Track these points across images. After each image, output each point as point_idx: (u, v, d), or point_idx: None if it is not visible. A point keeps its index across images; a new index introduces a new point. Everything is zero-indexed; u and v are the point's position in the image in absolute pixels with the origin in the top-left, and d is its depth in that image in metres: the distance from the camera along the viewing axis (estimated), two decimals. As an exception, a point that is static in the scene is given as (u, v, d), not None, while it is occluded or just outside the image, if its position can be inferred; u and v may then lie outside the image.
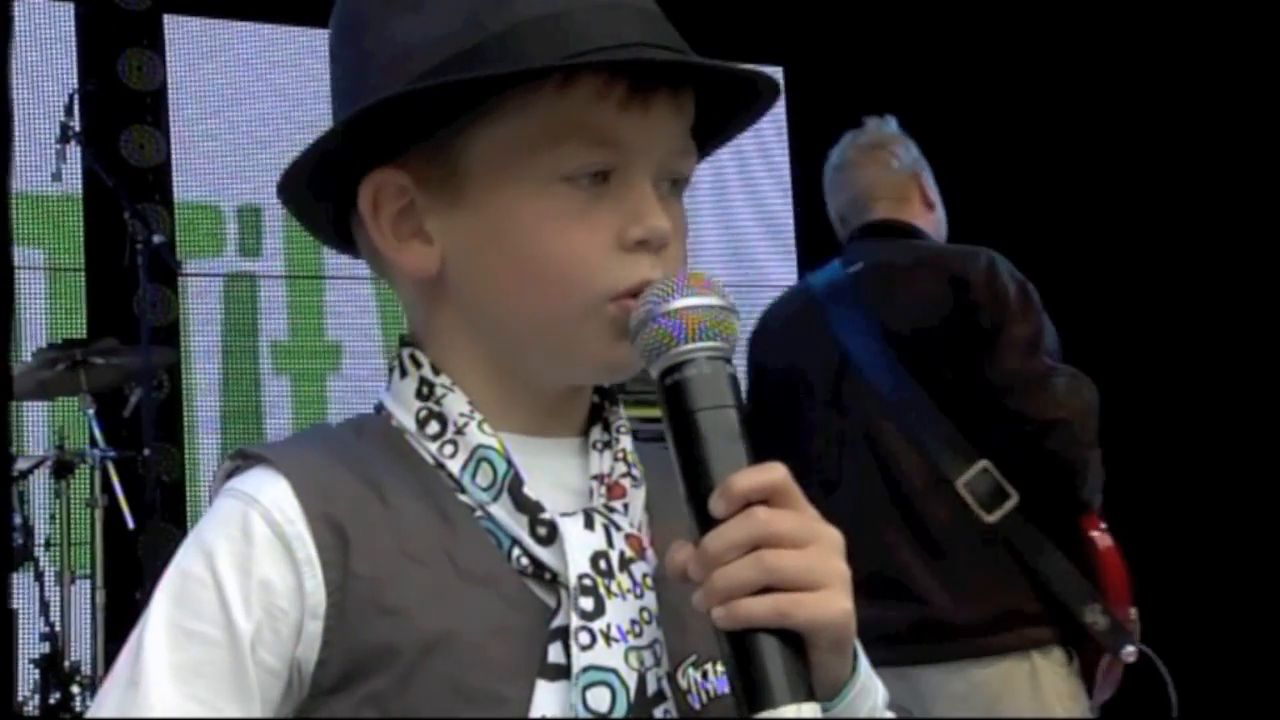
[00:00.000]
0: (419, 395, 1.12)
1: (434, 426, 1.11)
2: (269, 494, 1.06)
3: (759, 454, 1.02)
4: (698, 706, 1.08)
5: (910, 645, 2.97)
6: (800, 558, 0.99)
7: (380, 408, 1.15)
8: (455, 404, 1.11)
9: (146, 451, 4.92)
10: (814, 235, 6.51)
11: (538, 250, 1.08)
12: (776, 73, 6.72)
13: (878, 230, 3.30)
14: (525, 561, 1.07)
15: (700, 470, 1.01)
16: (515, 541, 1.07)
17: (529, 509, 1.08)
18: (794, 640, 0.98)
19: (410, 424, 1.11)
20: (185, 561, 1.06)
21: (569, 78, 1.06)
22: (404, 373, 1.13)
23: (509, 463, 1.08)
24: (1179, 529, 6.01)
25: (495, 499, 1.08)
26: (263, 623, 1.03)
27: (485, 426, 1.10)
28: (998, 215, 6.37)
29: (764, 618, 0.98)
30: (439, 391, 1.11)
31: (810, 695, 0.97)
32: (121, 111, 5.68)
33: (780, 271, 6.60)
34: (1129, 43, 6.39)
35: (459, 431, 1.10)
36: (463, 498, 1.09)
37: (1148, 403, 6.06)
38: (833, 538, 1.02)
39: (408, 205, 1.12)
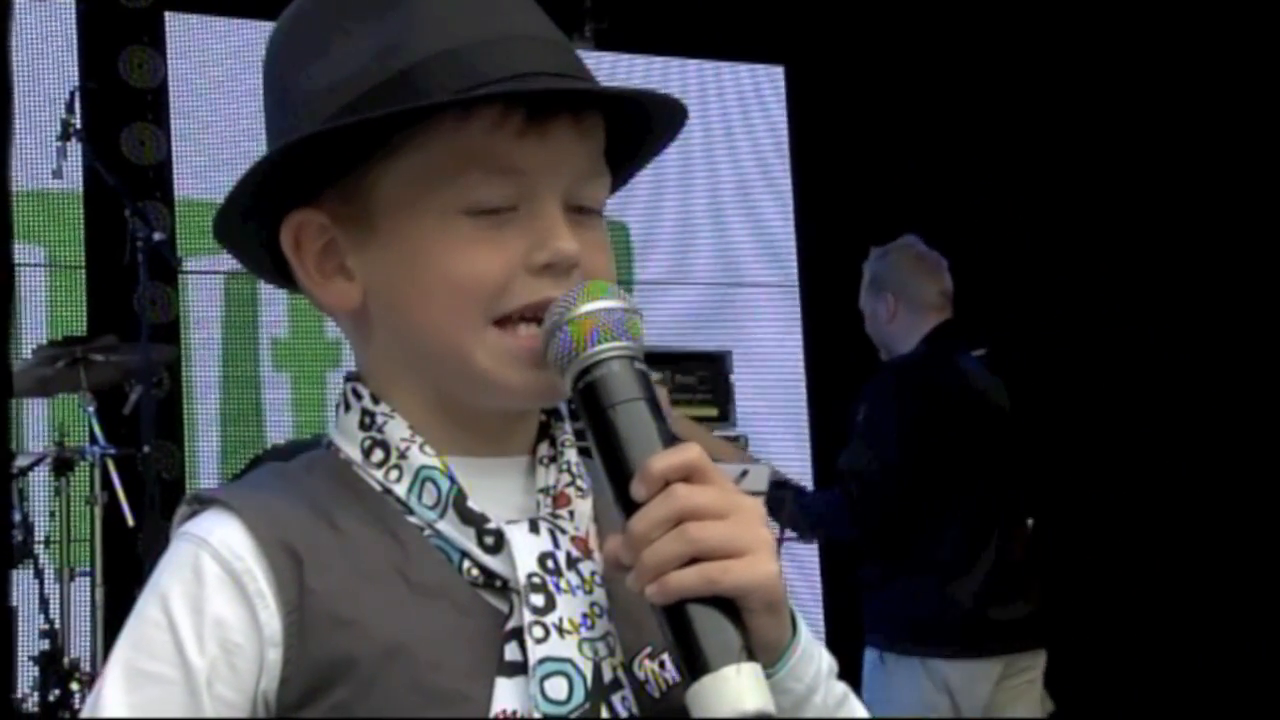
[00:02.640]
0: (362, 426, 1.15)
1: (378, 454, 1.14)
2: (219, 534, 1.09)
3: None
4: (656, 695, 1.11)
5: (1026, 638, 4.11)
6: (722, 527, 1.03)
7: (329, 443, 1.18)
8: (396, 430, 1.14)
9: (146, 449, 4.91)
10: (812, 236, 6.52)
11: (443, 277, 1.11)
12: (777, 72, 6.74)
13: (961, 328, 4.30)
14: (476, 572, 1.10)
15: (620, 461, 1.05)
16: (464, 554, 1.10)
17: (475, 521, 1.11)
18: (728, 607, 1.02)
19: (356, 455, 1.15)
20: (142, 607, 1.10)
21: (466, 111, 1.10)
22: (347, 407, 1.17)
23: (451, 479, 1.12)
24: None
25: (442, 516, 1.11)
26: (218, 658, 1.07)
27: (427, 448, 1.13)
28: (998, 214, 6.37)
29: (694, 587, 1.01)
30: (380, 420, 1.15)
31: (750, 656, 1.01)
32: (122, 109, 5.68)
33: (779, 272, 6.60)
34: (1130, 44, 6.39)
35: (402, 456, 1.13)
36: (411, 519, 1.12)
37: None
38: (753, 506, 1.06)
39: (329, 243, 1.16)
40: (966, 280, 6.27)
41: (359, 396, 1.17)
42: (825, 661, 1.14)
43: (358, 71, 1.11)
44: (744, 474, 3.83)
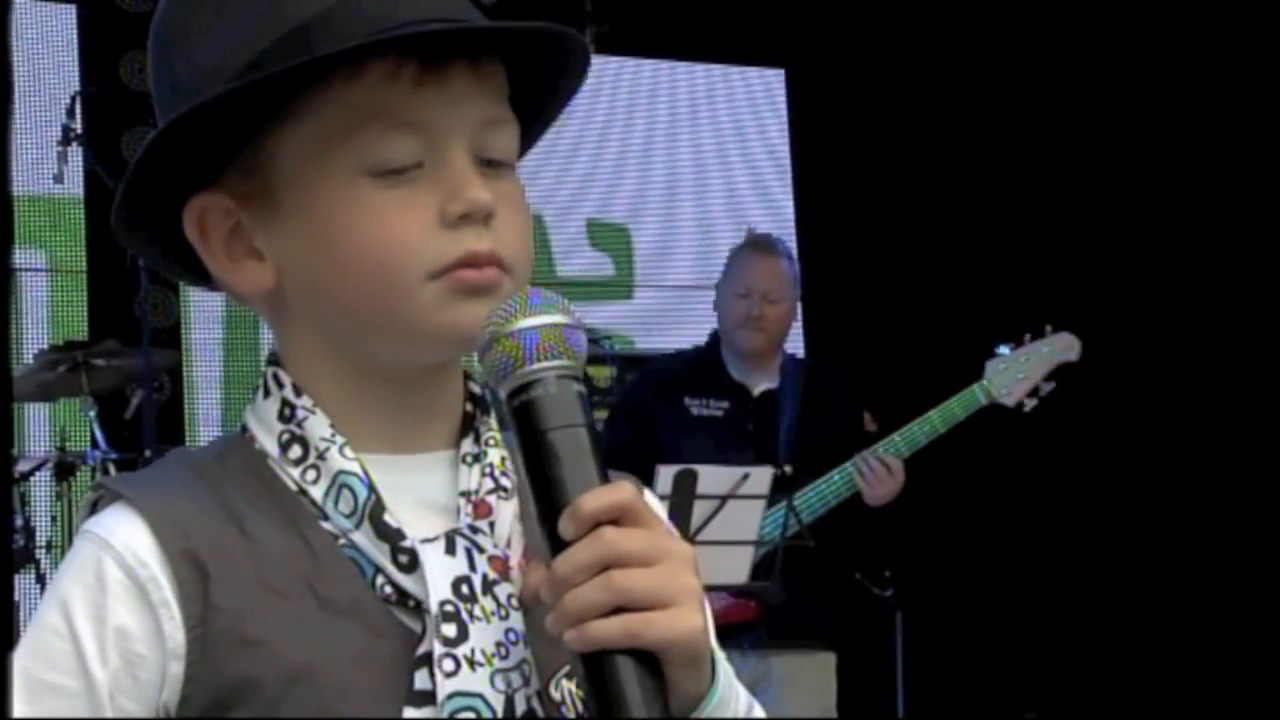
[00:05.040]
0: (281, 417, 1.10)
1: (296, 451, 1.09)
2: (123, 536, 1.05)
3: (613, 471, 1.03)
4: (573, 717, 1.08)
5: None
6: (649, 576, 0.99)
7: (244, 428, 1.13)
8: (317, 427, 1.09)
9: (148, 453, 4.91)
10: (817, 236, 6.52)
11: (357, 244, 1.06)
12: (778, 75, 6.74)
13: None
14: (389, 590, 1.06)
15: (552, 491, 1.01)
16: (378, 569, 1.06)
17: (390, 537, 1.06)
18: (648, 659, 0.99)
19: (272, 448, 1.10)
20: (43, 612, 1.06)
21: (357, 66, 1.05)
22: (267, 393, 1.12)
23: (370, 489, 1.07)
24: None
25: (357, 526, 1.07)
26: (121, 670, 1.04)
27: (347, 450, 1.08)
28: (998, 217, 6.37)
29: (615, 639, 0.98)
30: (300, 414, 1.10)
31: (665, 713, 0.99)
32: (123, 113, 5.67)
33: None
34: (1128, 45, 6.40)
35: (321, 457, 1.08)
36: (326, 525, 1.07)
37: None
38: (683, 553, 1.02)
39: (236, 226, 1.11)
40: (966, 282, 6.29)
41: (280, 384, 1.11)
42: (743, 703, 1.10)
43: (243, 41, 1.07)
44: (745, 477, 3.81)
